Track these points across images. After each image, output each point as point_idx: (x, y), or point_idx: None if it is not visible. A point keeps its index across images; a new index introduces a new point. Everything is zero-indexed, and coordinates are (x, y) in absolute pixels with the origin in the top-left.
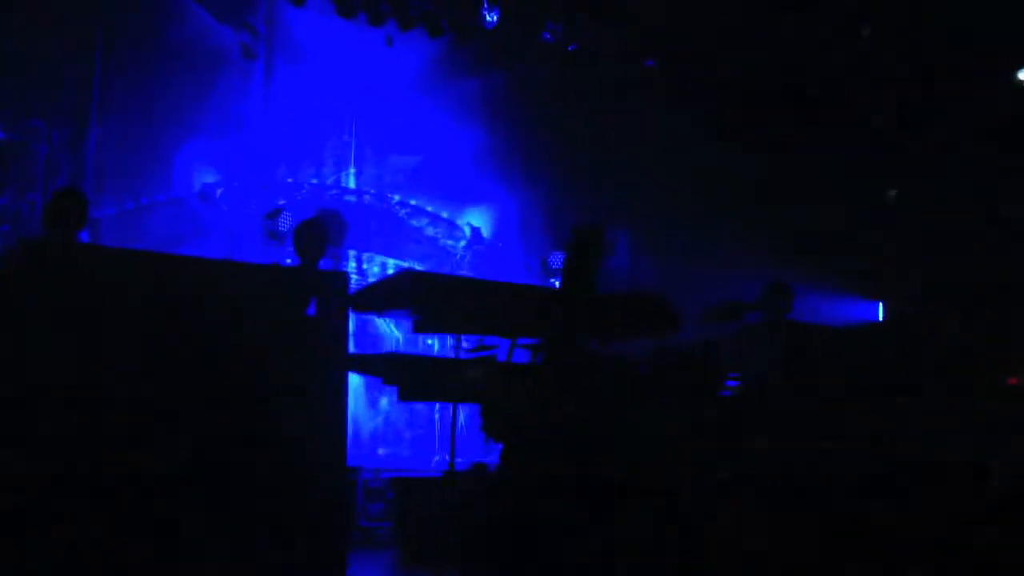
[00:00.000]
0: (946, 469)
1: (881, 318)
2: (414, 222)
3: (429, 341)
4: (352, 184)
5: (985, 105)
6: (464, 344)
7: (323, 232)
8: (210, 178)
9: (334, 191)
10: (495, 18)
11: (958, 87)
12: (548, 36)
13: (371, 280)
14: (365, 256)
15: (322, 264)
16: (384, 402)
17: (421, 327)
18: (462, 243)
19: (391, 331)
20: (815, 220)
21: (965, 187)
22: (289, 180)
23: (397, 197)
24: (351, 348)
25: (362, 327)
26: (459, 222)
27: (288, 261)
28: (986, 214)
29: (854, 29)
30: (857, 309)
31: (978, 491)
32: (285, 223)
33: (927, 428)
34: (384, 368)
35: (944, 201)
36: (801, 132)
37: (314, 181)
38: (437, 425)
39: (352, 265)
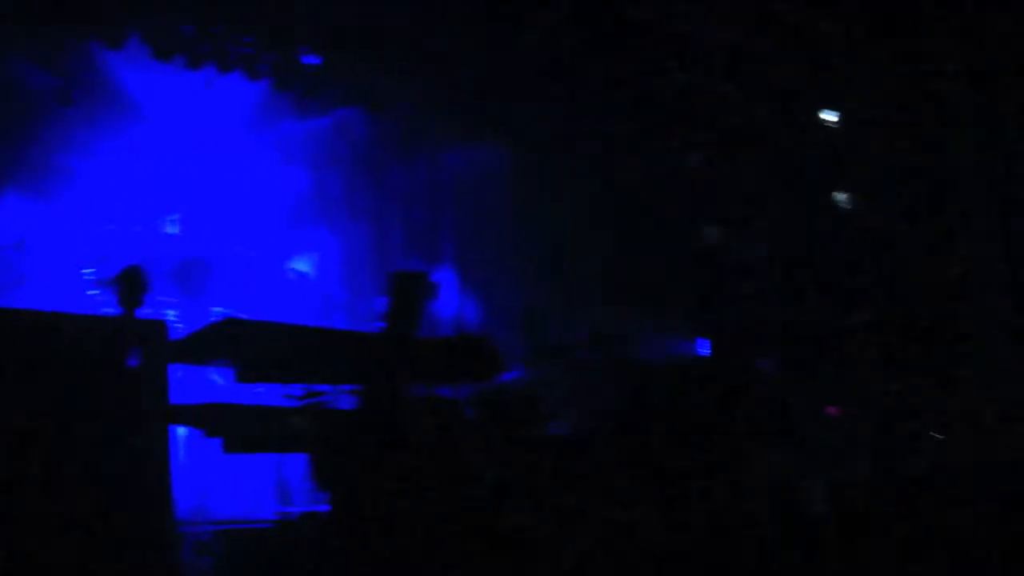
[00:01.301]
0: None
1: (706, 353)
2: (239, 268)
3: (259, 389)
4: (176, 230)
5: (793, 145)
6: (291, 391)
7: (143, 280)
8: (29, 227)
9: (157, 238)
10: (316, 62)
11: (767, 126)
12: (369, 80)
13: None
14: (188, 304)
15: (143, 313)
16: (214, 452)
17: (243, 377)
18: (288, 289)
19: (218, 379)
20: (642, 260)
21: (781, 225)
22: (110, 227)
23: (222, 243)
24: (177, 396)
25: (190, 375)
26: (285, 267)
27: (109, 310)
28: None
29: (666, 71)
30: (684, 347)
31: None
32: (106, 272)
33: (752, 459)
34: (206, 419)
35: (761, 239)
36: (619, 171)
37: (137, 228)
38: (269, 474)
39: (173, 313)
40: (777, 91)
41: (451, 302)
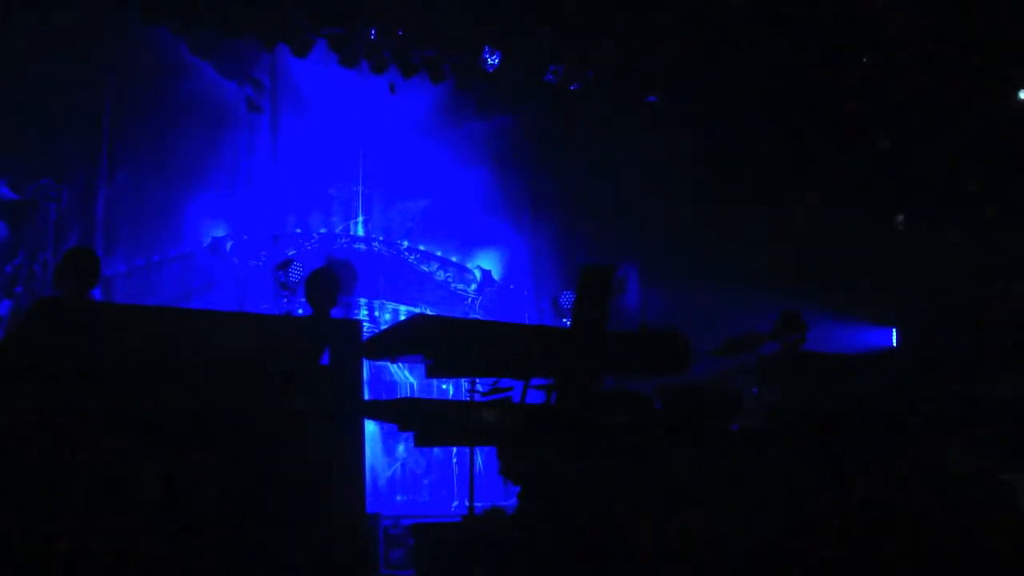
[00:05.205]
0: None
1: (895, 344)
2: (424, 267)
3: (444, 386)
4: (361, 232)
5: (988, 125)
6: (479, 387)
7: (334, 281)
8: (220, 232)
9: (343, 240)
10: (496, 61)
11: (961, 108)
12: (550, 77)
13: (383, 328)
14: (376, 303)
15: (334, 313)
16: (401, 449)
17: (434, 371)
18: (473, 286)
19: (405, 377)
20: (825, 247)
21: (972, 209)
22: (298, 230)
23: (406, 243)
24: (366, 395)
25: (376, 374)
26: (469, 265)
27: (300, 311)
28: (993, 235)
29: (855, 54)
30: (871, 336)
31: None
32: (296, 273)
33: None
34: (399, 414)
35: (952, 224)
36: (807, 160)
37: (323, 230)
38: (455, 470)
39: (364, 313)
40: (973, 70)
41: (636, 296)
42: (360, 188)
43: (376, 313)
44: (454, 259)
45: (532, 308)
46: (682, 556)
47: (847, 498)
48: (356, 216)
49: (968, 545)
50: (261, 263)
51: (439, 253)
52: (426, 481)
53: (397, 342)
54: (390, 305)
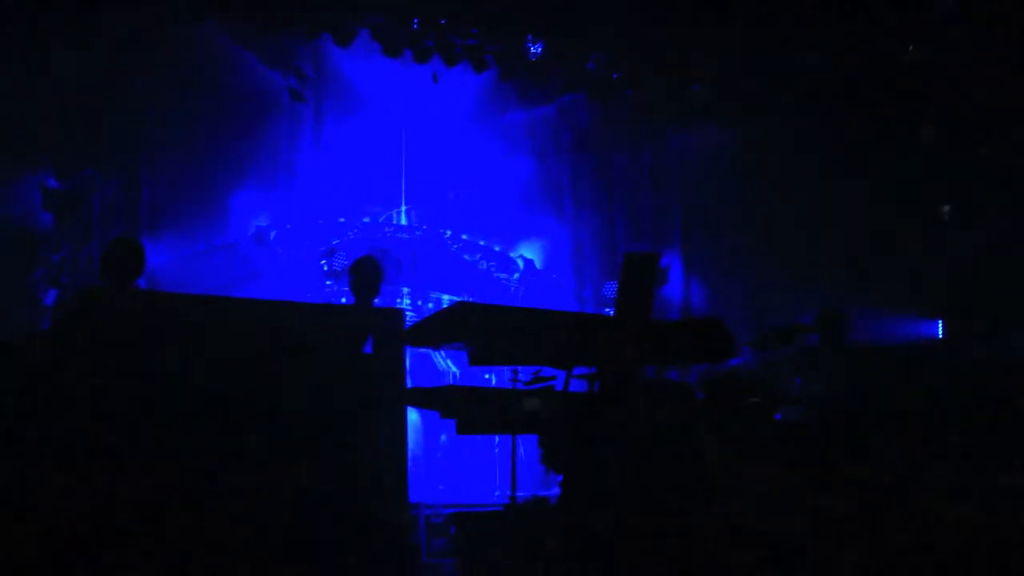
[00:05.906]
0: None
1: (941, 336)
2: (467, 257)
3: (487, 375)
4: (404, 221)
5: None
6: (520, 376)
7: (377, 270)
8: (264, 221)
9: (387, 229)
10: (539, 50)
11: (1003, 99)
12: (592, 66)
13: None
14: (419, 292)
15: (377, 302)
16: (443, 437)
17: (476, 359)
18: (515, 276)
19: (448, 366)
20: (869, 238)
21: (1018, 199)
22: (342, 219)
23: (449, 232)
24: (408, 384)
25: (419, 363)
26: (512, 255)
27: (343, 300)
28: None
29: (902, 46)
30: (916, 327)
31: None
32: (339, 262)
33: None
34: (442, 401)
35: (999, 215)
36: (851, 150)
37: (366, 219)
38: (497, 458)
39: (407, 302)
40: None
41: (678, 286)
42: (403, 177)
43: (419, 302)
44: (497, 248)
45: (574, 297)
46: (725, 547)
47: (885, 491)
48: (399, 205)
49: (999, 551)
50: (305, 252)
51: (482, 242)
52: (468, 469)
53: (440, 330)
54: (433, 294)
